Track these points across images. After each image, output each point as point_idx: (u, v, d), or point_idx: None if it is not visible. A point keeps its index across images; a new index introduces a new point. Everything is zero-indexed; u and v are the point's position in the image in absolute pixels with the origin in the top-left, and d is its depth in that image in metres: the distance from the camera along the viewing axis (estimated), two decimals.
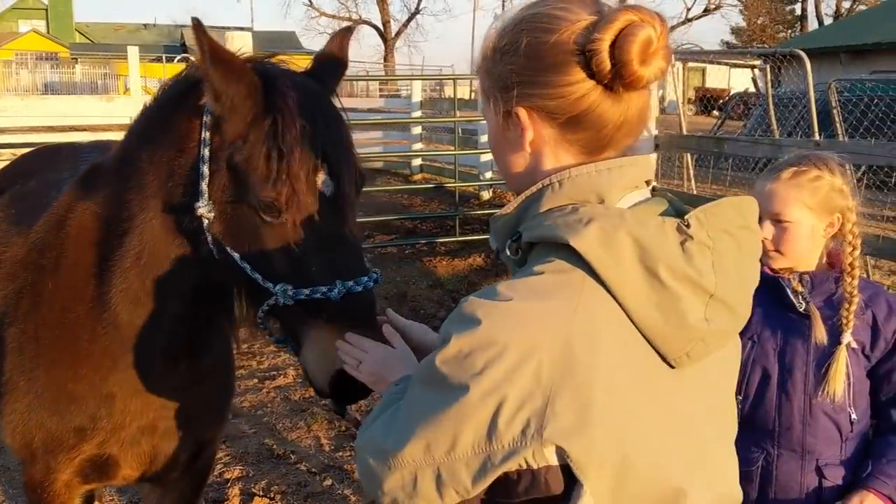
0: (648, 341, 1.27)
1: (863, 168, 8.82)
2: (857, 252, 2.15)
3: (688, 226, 1.27)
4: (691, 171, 8.30)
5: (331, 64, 1.96)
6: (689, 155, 8.23)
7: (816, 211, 2.15)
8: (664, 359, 1.29)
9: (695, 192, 8.23)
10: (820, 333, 2.11)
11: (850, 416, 2.16)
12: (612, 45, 1.25)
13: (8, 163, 3.18)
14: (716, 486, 1.37)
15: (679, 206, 1.38)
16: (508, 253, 1.38)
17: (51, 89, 38.05)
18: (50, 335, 2.01)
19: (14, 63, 42.68)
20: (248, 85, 1.73)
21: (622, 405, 1.22)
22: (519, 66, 1.32)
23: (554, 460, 1.22)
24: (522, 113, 1.33)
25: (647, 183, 1.40)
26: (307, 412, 4.87)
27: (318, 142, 1.72)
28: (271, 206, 1.69)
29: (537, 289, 1.25)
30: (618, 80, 1.27)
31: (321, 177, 1.73)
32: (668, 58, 1.30)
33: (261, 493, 3.92)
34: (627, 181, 1.33)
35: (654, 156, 7.93)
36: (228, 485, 3.98)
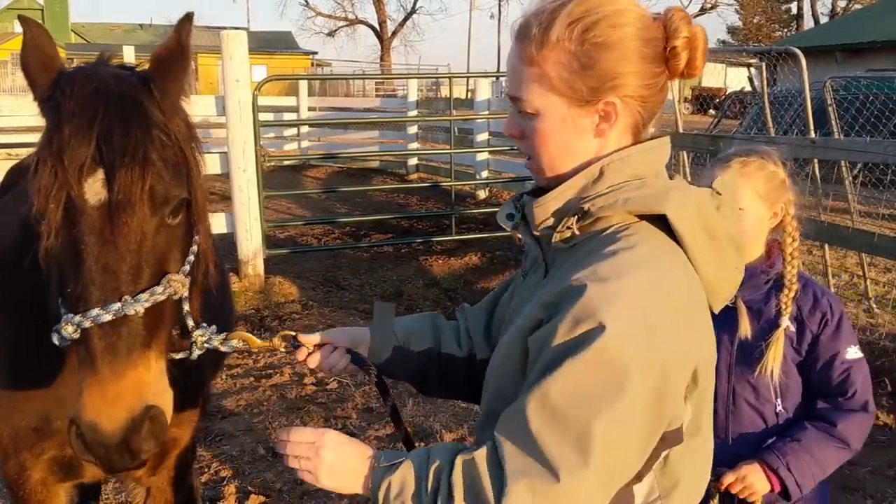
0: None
1: (858, 166, 8.83)
2: (797, 243, 2.26)
3: (719, 193, 1.45)
4: (687, 170, 8.29)
5: (164, 59, 1.67)
6: (685, 153, 8.22)
7: (765, 200, 2.24)
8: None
9: None
10: (745, 327, 2.20)
11: (776, 407, 2.22)
12: (689, 44, 1.41)
13: (16, 162, 3.19)
14: None
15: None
16: (558, 234, 1.42)
17: None
18: (9, 335, 2.01)
19: (9, 63, 42.59)
20: (50, 76, 1.59)
21: (710, 343, 1.42)
22: (620, 57, 1.37)
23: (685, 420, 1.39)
24: (618, 101, 1.39)
25: None
26: (303, 410, 4.87)
27: (80, 146, 1.49)
28: (40, 216, 1.52)
29: (641, 259, 1.32)
30: (684, 73, 1.44)
31: (88, 183, 1.50)
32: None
33: (256, 492, 3.91)
34: (665, 158, 1.47)
35: None
36: (224, 483, 3.97)
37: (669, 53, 1.40)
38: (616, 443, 1.24)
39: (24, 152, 6.26)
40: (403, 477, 1.37)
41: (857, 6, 40.65)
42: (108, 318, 1.47)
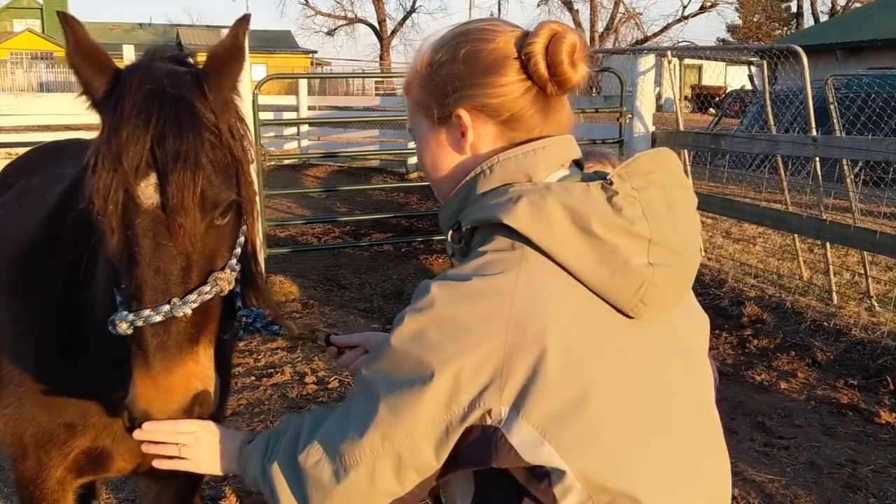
0: (602, 297, 1.37)
1: (860, 164, 8.83)
2: None
3: (611, 183, 1.38)
4: (688, 168, 8.29)
5: (220, 57, 1.67)
6: (686, 151, 8.21)
7: None
8: (624, 313, 1.38)
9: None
10: None
11: None
12: (546, 49, 1.42)
13: (15, 157, 3.20)
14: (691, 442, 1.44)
15: (604, 176, 1.48)
16: (450, 242, 1.50)
17: (46, 89, 38.00)
18: (41, 329, 2.00)
19: (9, 62, 42.60)
20: (108, 79, 1.61)
21: (581, 362, 1.30)
22: (459, 71, 1.46)
23: (506, 416, 1.31)
24: (464, 113, 1.47)
25: (577, 163, 1.54)
26: (304, 409, 4.85)
27: (136, 148, 1.51)
28: (96, 215, 1.56)
29: (480, 266, 1.35)
30: (551, 80, 1.43)
31: (142, 186, 1.53)
32: (589, 64, 1.46)
33: (257, 491, 3.89)
34: (553, 160, 1.46)
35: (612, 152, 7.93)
36: (225, 482, 3.96)
37: (525, 59, 1.43)
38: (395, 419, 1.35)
39: (23, 151, 6.25)
40: (255, 445, 1.58)
41: (857, 4, 40.61)
42: (158, 318, 1.54)
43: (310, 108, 16.12)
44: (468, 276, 1.35)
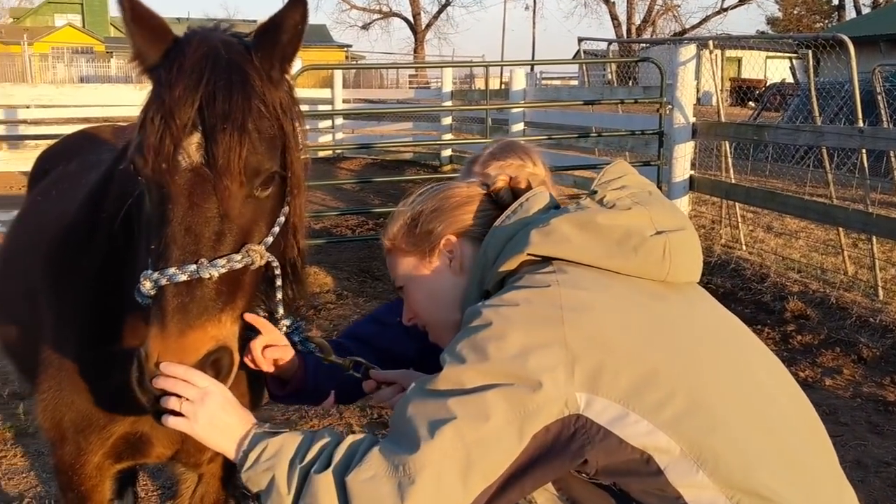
0: (638, 277, 1.51)
1: None
2: None
3: (594, 192, 1.60)
4: (730, 161, 8.12)
5: (271, 31, 1.63)
6: (727, 143, 8.05)
7: None
8: (660, 290, 1.52)
9: (733, 181, 8.06)
10: None
11: None
12: (510, 184, 1.76)
13: (46, 147, 3.22)
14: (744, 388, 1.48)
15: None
16: None
17: (86, 82, 38.54)
18: (81, 313, 1.98)
19: (50, 56, 43.33)
20: (165, 45, 1.62)
21: (641, 335, 1.41)
22: (440, 213, 1.74)
23: (584, 405, 1.35)
24: (451, 237, 1.72)
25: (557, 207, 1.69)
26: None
27: (186, 105, 1.51)
28: (137, 172, 1.57)
29: (520, 287, 1.47)
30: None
31: (187, 144, 1.52)
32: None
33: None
34: (538, 205, 1.66)
35: (692, 143, 7.79)
36: None
37: (495, 195, 1.76)
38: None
39: None
40: (282, 443, 1.47)
41: None
42: (183, 278, 1.49)
43: (344, 101, 16.14)
44: (512, 294, 1.46)
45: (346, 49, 53.49)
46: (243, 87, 1.56)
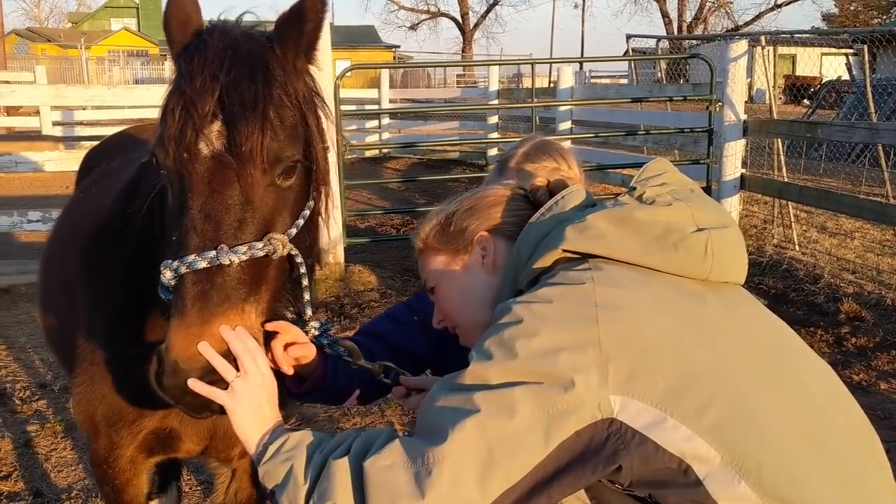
0: (678, 275, 1.45)
1: None
2: None
3: (633, 189, 1.54)
4: (782, 159, 7.93)
5: (291, 22, 1.63)
6: (779, 141, 7.87)
7: None
8: (700, 289, 1.45)
9: (785, 180, 7.86)
10: None
11: None
12: (548, 185, 1.72)
13: (95, 145, 3.30)
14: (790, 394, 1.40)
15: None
16: None
17: (140, 84, 39.42)
18: (112, 307, 2.00)
19: (107, 60, 44.40)
20: (191, 35, 1.64)
21: (679, 337, 1.34)
22: (474, 211, 1.72)
23: (618, 409, 1.28)
24: (485, 233, 1.69)
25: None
26: (382, 398, 4.83)
27: (207, 94, 1.51)
28: (158, 165, 1.58)
29: (554, 283, 1.42)
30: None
31: (208, 132, 1.52)
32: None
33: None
34: (575, 202, 1.61)
35: (742, 141, 7.62)
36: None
37: (533, 195, 1.72)
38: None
39: None
40: (303, 437, 1.45)
41: None
42: (202, 264, 1.46)
43: (391, 100, 16.20)
44: (544, 291, 1.41)
45: (393, 49, 53.75)
46: (264, 76, 1.55)
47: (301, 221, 1.64)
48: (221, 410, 1.53)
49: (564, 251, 1.47)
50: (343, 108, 8.07)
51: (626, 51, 14.47)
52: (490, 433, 1.27)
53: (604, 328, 1.31)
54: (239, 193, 1.51)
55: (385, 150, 15.50)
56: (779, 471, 1.27)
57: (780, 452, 1.29)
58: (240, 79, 1.53)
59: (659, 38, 13.94)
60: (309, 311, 1.76)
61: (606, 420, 1.28)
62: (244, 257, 1.49)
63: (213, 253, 1.47)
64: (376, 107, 15.47)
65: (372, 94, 16.41)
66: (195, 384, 1.47)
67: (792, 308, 6.22)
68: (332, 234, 7.35)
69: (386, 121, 15.99)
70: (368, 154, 15.04)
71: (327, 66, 7.17)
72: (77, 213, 2.47)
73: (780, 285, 6.76)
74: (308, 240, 1.71)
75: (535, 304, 1.38)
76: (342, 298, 6.89)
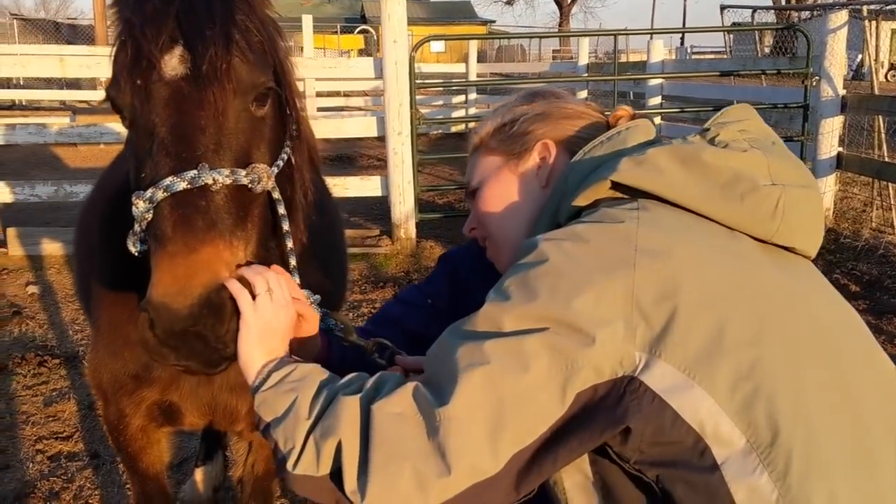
0: (739, 230, 1.29)
1: None
2: None
3: (707, 130, 1.37)
4: (883, 137, 7.40)
5: None
6: (881, 118, 7.34)
7: None
8: (763, 243, 1.31)
9: (886, 159, 7.33)
10: None
11: None
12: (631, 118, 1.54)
13: None
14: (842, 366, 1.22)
15: None
16: None
17: None
18: (115, 276, 1.97)
19: None
20: None
21: (723, 297, 1.17)
22: (545, 117, 1.56)
23: (641, 367, 1.14)
24: (549, 142, 1.54)
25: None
26: None
27: (160, 24, 1.37)
28: (117, 109, 1.43)
29: (593, 220, 1.28)
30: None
31: (167, 59, 1.37)
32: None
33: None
34: (638, 137, 1.44)
35: (840, 118, 7.13)
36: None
37: (613, 120, 1.56)
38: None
39: None
40: (313, 369, 1.30)
41: None
42: (182, 185, 1.30)
43: (479, 75, 16.02)
44: (579, 228, 1.26)
45: (489, 24, 53.29)
46: (224, 2, 1.42)
47: (280, 163, 1.52)
48: (222, 361, 1.37)
49: (614, 183, 1.31)
50: (426, 81, 7.96)
51: (722, 24, 13.83)
52: (501, 390, 1.13)
53: (640, 275, 1.15)
54: (212, 114, 1.37)
55: (471, 125, 15.35)
56: (808, 473, 1.10)
57: (817, 450, 1.11)
58: (196, 2, 1.39)
59: (755, 10, 13.23)
60: (293, 261, 1.59)
61: (626, 377, 1.14)
62: (227, 181, 1.34)
63: (193, 172, 1.32)
64: (463, 81, 15.33)
65: (460, 68, 16.27)
66: (231, 284, 1.31)
67: (885, 295, 5.81)
68: (405, 208, 7.31)
69: (473, 96, 15.83)
70: (455, 129, 14.92)
71: (402, 35, 7.08)
72: (104, 180, 2.47)
73: (874, 271, 6.33)
74: (290, 190, 1.59)
75: (566, 243, 1.22)
76: (412, 273, 6.84)
